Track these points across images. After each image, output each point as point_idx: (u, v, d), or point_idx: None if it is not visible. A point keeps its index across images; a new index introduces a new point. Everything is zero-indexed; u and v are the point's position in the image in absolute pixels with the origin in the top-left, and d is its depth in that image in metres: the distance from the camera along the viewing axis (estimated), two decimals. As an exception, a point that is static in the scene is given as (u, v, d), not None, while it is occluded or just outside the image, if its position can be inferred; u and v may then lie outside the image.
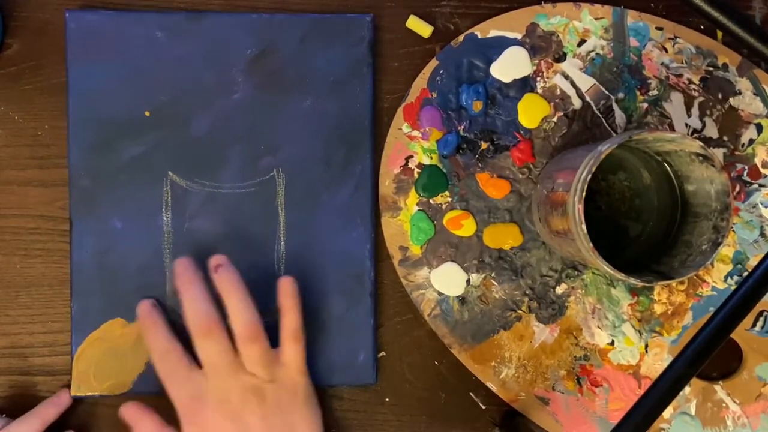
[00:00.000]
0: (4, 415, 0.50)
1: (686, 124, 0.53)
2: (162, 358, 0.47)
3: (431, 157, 0.52)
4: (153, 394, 0.49)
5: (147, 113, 0.50)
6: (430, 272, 0.52)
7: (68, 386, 0.50)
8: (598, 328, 0.52)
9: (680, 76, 0.53)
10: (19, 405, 0.50)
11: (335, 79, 0.51)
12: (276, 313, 0.49)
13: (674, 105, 0.53)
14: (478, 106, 0.52)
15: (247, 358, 0.47)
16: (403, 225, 0.52)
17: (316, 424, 0.48)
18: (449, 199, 0.52)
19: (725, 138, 0.53)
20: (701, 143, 0.43)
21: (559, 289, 0.52)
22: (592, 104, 0.53)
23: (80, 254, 0.50)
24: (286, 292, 0.49)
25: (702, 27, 0.54)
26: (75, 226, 0.50)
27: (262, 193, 0.51)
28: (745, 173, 0.53)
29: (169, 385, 0.47)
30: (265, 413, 0.46)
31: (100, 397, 0.50)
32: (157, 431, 0.47)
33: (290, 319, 0.48)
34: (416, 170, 0.52)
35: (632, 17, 0.53)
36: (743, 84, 0.54)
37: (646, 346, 0.53)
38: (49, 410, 0.49)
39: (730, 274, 0.53)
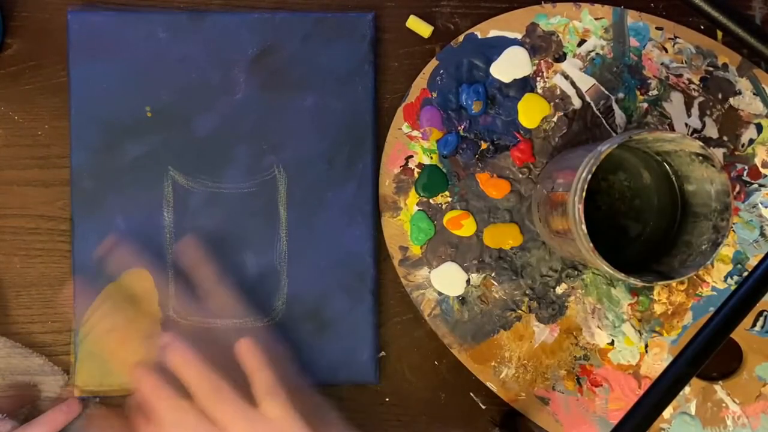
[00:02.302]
0: (5, 415, 0.49)
1: (686, 124, 0.53)
2: (212, 399, 0.44)
3: (431, 157, 0.52)
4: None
5: (149, 113, 0.50)
6: (430, 272, 0.52)
7: (74, 388, 0.50)
8: (598, 328, 0.52)
9: (680, 76, 0.53)
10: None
11: (337, 78, 0.51)
12: (278, 313, 0.49)
13: (674, 105, 0.53)
14: (478, 106, 0.52)
15: (224, 422, 0.43)
16: (403, 225, 0.52)
17: None
18: (449, 199, 0.52)
19: (725, 138, 0.53)
20: (701, 143, 0.43)
21: (559, 289, 0.52)
22: (592, 104, 0.53)
23: (83, 254, 0.50)
24: (248, 353, 0.46)
25: (702, 27, 0.54)
26: (77, 225, 0.50)
27: (263, 191, 0.51)
28: (745, 173, 0.53)
29: None
30: None
31: (105, 397, 0.50)
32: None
33: (261, 378, 0.45)
34: (416, 170, 0.52)
35: (632, 17, 0.53)
36: (743, 84, 0.54)
37: (646, 346, 0.53)
38: (58, 418, 0.48)
39: (730, 274, 0.53)
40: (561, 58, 0.53)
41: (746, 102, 0.54)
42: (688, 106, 0.53)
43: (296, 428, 0.44)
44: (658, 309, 0.53)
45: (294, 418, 0.44)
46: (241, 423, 0.44)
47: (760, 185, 0.53)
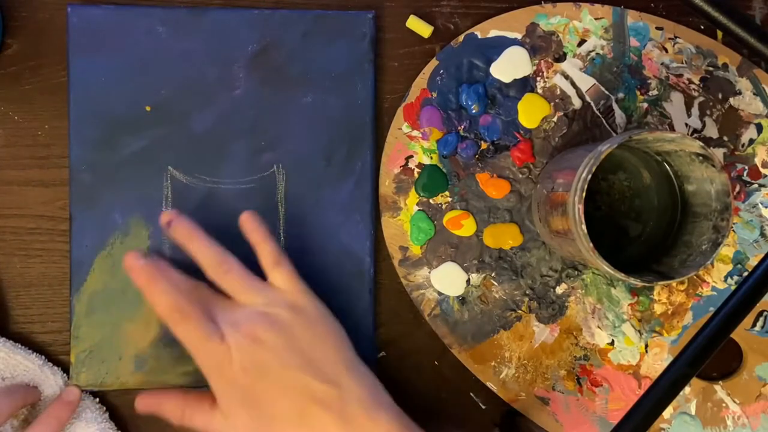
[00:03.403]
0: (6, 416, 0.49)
1: (686, 124, 0.53)
2: (174, 322, 0.43)
3: (431, 157, 0.52)
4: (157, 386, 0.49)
5: (148, 108, 0.50)
6: (430, 272, 0.52)
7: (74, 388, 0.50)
8: (598, 328, 0.52)
9: (680, 76, 0.53)
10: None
11: (337, 76, 0.51)
12: None
13: (674, 105, 0.53)
14: (478, 106, 0.52)
15: (233, 292, 0.45)
16: (403, 225, 0.52)
17: (343, 339, 0.45)
18: (449, 199, 0.52)
19: (725, 138, 0.53)
20: (701, 143, 0.43)
21: (559, 289, 0.52)
22: (592, 104, 0.53)
23: (80, 249, 0.50)
24: (252, 227, 0.47)
25: (702, 27, 0.54)
26: (75, 220, 0.50)
27: (262, 188, 0.51)
28: (745, 173, 0.53)
29: (193, 353, 0.44)
30: (281, 329, 0.43)
31: (103, 392, 0.50)
32: (183, 402, 0.45)
33: (265, 249, 0.46)
34: (416, 170, 0.52)
35: (632, 17, 0.53)
36: (743, 84, 0.54)
37: (646, 346, 0.53)
38: (62, 412, 0.48)
39: (730, 274, 0.53)
40: (561, 58, 0.53)
41: (746, 102, 0.54)
42: (688, 106, 0.53)
43: (302, 297, 0.46)
44: (658, 309, 0.53)
45: (300, 288, 0.46)
46: (250, 292, 0.45)
47: (760, 185, 0.53)
